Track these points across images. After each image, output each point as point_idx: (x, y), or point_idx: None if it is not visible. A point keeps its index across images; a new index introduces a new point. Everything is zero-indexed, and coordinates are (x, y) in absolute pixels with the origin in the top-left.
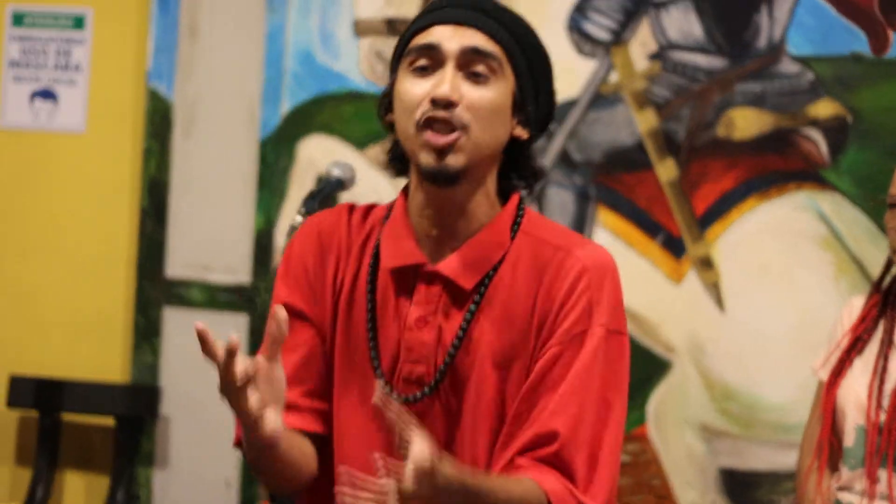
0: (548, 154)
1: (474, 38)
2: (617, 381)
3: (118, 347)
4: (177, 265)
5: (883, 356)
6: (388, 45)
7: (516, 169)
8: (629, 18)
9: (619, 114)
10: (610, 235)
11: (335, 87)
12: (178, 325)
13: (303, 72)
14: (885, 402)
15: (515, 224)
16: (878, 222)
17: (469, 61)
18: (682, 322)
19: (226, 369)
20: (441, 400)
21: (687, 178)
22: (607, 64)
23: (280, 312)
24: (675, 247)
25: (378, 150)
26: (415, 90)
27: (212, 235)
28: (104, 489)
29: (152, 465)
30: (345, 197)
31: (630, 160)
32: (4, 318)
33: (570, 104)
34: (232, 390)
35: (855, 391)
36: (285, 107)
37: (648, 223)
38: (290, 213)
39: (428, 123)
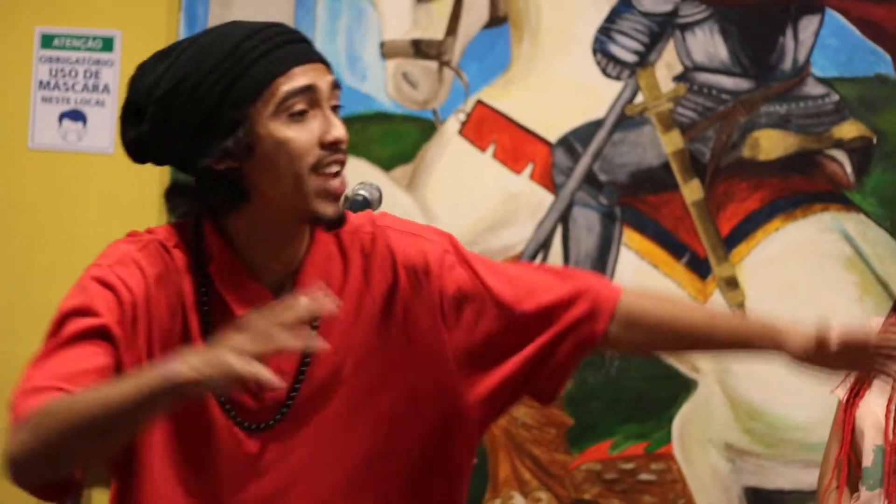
0: (574, 175)
1: (328, 72)
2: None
3: None
4: None
5: None
6: (416, 66)
7: None
8: (655, 40)
9: (645, 135)
10: (636, 256)
11: (362, 108)
12: None
13: None
14: None
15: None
16: None
17: (331, 96)
18: None
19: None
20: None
21: (712, 199)
22: (633, 85)
23: (302, 301)
24: (700, 267)
25: (404, 172)
26: (301, 137)
27: None
28: None
29: None
30: None
31: (656, 181)
32: (32, 339)
33: (596, 125)
34: (286, 331)
35: (874, 411)
36: None
37: (674, 244)
38: None
39: (320, 168)
